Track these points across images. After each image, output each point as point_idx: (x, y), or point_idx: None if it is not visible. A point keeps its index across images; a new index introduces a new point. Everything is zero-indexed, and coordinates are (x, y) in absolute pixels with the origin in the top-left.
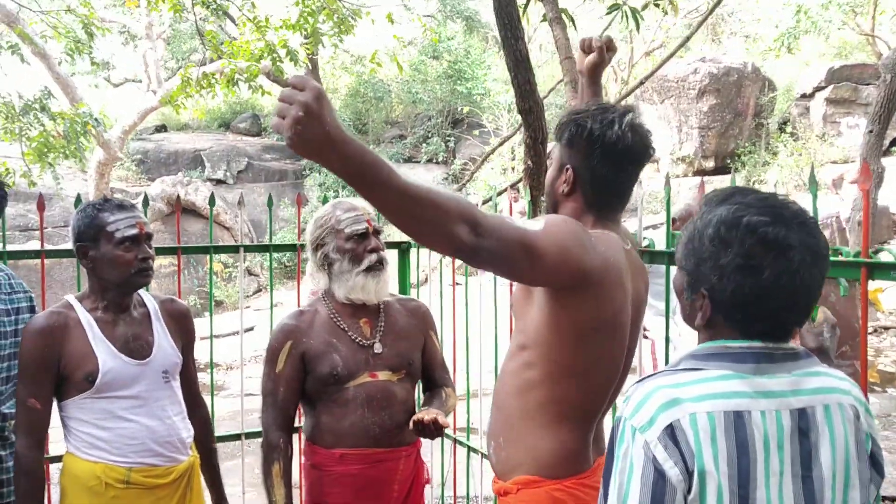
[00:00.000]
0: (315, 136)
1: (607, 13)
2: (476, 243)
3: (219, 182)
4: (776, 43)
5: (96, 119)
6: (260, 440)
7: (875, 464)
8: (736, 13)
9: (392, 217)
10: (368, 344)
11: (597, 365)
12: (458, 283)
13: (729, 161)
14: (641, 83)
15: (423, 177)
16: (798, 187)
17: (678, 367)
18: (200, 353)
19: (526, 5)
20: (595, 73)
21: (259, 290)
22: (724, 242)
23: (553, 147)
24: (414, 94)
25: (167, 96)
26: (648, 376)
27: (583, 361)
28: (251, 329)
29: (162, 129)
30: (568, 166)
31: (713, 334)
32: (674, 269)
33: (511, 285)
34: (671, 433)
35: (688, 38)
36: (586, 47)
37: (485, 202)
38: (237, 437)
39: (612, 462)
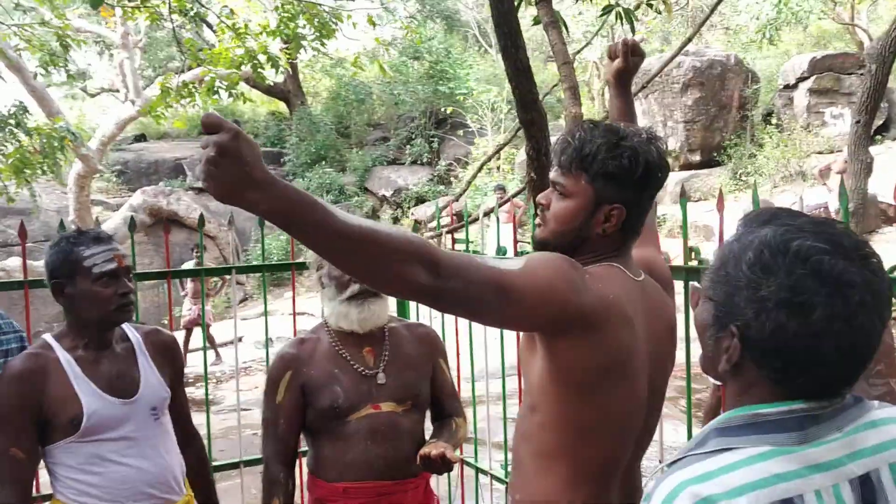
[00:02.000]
0: (232, 177)
1: (601, 15)
2: (436, 285)
3: (200, 191)
4: (758, 34)
5: (73, 133)
6: (258, 467)
7: None
8: (718, 7)
9: (337, 261)
10: (371, 374)
11: (610, 416)
12: None
13: (715, 154)
14: (650, 81)
15: (408, 178)
16: (785, 179)
17: (704, 450)
18: (191, 366)
19: (518, 7)
20: (623, 80)
21: (245, 299)
22: (767, 270)
23: (563, 176)
24: (396, 96)
25: (147, 106)
26: (671, 464)
27: (593, 413)
28: (240, 340)
29: (141, 138)
30: (617, 205)
31: (741, 388)
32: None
33: (517, 335)
34: None
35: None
36: (613, 54)
37: (486, 214)
38: (236, 465)
39: None
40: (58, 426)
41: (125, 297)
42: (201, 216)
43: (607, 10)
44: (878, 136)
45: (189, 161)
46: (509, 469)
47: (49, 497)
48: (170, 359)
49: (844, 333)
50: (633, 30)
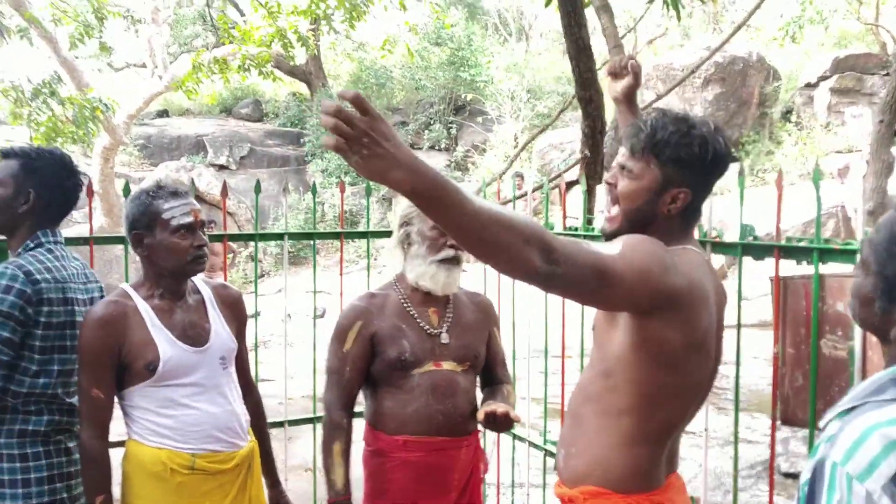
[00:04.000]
0: (382, 158)
1: (649, 0)
2: (549, 270)
3: (221, 167)
4: (781, 32)
5: (105, 104)
6: (292, 427)
7: None
8: (738, 2)
9: (464, 240)
10: (436, 333)
11: (686, 388)
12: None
13: (734, 150)
14: (691, 73)
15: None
16: (802, 176)
17: (885, 397)
18: None
19: None
20: (631, 96)
21: (262, 276)
22: None
23: (632, 159)
24: (416, 81)
25: (176, 81)
26: (850, 410)
27: (672, 386)
28: (259, 314)
29: (164, 114)
30: (684, 189)
31: None
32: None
33: (563, 318)
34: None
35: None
36: (616, 70)
37: (534, 190)
38: (280, 424)
39: None
40: (135, 371)
41: (200, 248)
42: (224, 185)
43: None
44: None
45: (210, 138)
46: (548, 437)
47: (119, 444)
48: (236, 313)
49: None
50: (678, 18)
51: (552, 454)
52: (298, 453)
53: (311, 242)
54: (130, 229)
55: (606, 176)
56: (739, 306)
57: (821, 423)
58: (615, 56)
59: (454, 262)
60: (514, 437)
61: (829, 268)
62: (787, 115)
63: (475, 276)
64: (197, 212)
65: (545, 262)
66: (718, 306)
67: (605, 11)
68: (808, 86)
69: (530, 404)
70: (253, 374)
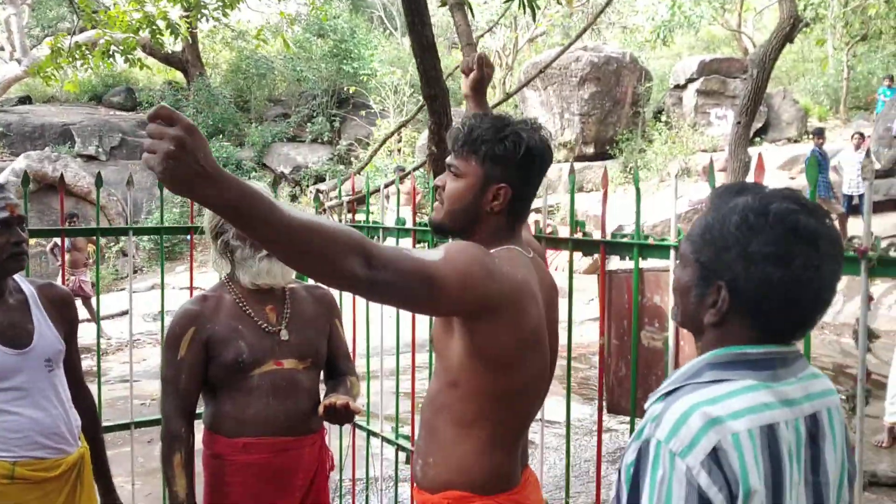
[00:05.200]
0: (189, 172)
1: (505, 1)
2: (371, 276)
3: (90, 158)
4: (652, 34)
5: None
6: (151, 429)
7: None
8: (614, 3)
9: (279, 253)
10: (274, 331)
11: (527, 384)
12: None
13: (608, 147)
14: (541, 72)
15: (308, 156)
16: (669, 174)
17: (702, 380)
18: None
19: None
20: (479, 89)
21: (135, 272)
22: (753, 230)
23: (456, 159)
24: (298, 72)
25: (35, 67)
26: (673, 391)
27: (513, 384)
28: (126, 313)
29: (26, 100)
30: (503, 185)
31: (721, 336)
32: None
33: (430, 320)
34: (715, 457)
35: (590, 24)
36: (468, 69)
37: (386, 186)
38: (126, 426)
39: (642, 490)
40: None
41: (18, 245)
42: (98, 175)
43: None
44: (758, 138)
45: (78, 127)
46: (401, 432)
47: None
48: (65, 313)
49: (815, 280)
50: (534, 17)
51: (404, 448)
52: (159, 455)
53: (188, 237)
54: None
55: (437, 179)
56: (571, 300)
57: (645, 406)
58: (468, 54)
59: None
60: (368, 432)
61: (650, 263)
62: (658, 114)
63: None
64: (13, 206)
65: (366, 269)
66: (549, 301)
67: (459, 10)
68: (678, 87)
69: (384, 398)
70: (117, 375)
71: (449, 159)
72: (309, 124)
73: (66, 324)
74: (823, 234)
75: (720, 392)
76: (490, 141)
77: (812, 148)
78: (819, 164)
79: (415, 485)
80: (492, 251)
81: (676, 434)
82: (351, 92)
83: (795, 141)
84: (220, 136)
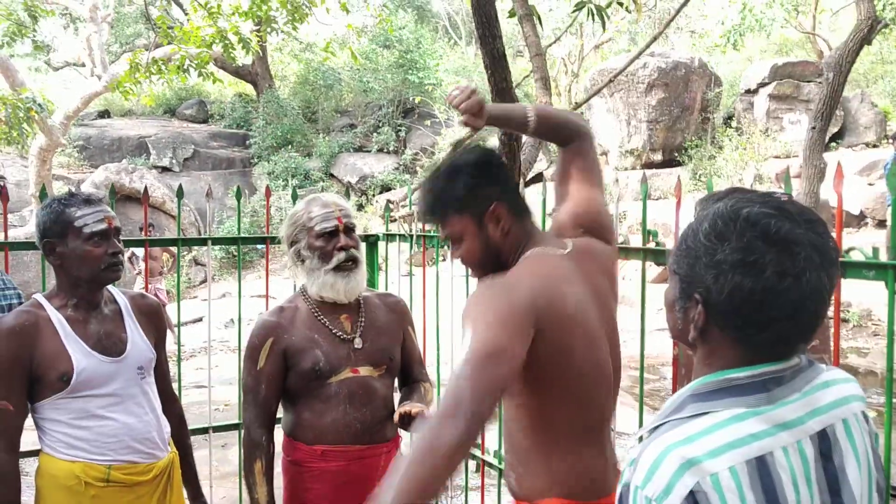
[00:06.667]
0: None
1: (573, 11)
2: (466, 431)
3: (164, 169)
4: (722, 39)
5: (40, 105)
6: (228, 433)
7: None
8: (683, 9)
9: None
10: (349, 339)
11: (581, 372)
12: (412, 274)
13: (676, 154)
14: (610, 81)
15: (374, 166)
16: (742, 181)
17: (683, 415)
18: None
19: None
20: (480, 112)
21: (205, 280)
22: (721, 236)
23: (442, 231)
24: (365, 83)
25: (114, 82)
26: (654, 430)
27: (565, 376)
28: (199, 320)
29: (105, 114)
30: (490, 206)
31: (708, 353)
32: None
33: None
34: (693, 501)
35: (661, 32)
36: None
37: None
38: (205, 430)
39: None
40: (47, 382)
41: (115, 256)
42: (180, 187)
43: (579, 6)
44: (833, 143)
45: (153, 139)
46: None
47: (32, 453)
48: (155, 323)
49: (794, 289)
50: (603, 27)
51: (474, 457)
52: (233, 460)
53: (257, 247)
54: (42, 238)
55: (452, 252)
56: (643, 310)
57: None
58: (538, 64)
59: (350, 265)
60: None
61: None
62: (728, 120)
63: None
64: (111, 219)
65: (464, 437)
66: (595, 288)
67: (528, 21)
68: (749, 92)
69: None
70: (191, 381)
71: (441, 235)
72: (375, 134)
73: (156, 333)
74: (803, 240)
75: (698, 429)
76: (448, 193)
77: (892, 153)
78: None
79: (514, 498)
80: (522, 259)
81: (651, 479)
82: (416, 102)
83: (874, 146)
84: (289, 146)
